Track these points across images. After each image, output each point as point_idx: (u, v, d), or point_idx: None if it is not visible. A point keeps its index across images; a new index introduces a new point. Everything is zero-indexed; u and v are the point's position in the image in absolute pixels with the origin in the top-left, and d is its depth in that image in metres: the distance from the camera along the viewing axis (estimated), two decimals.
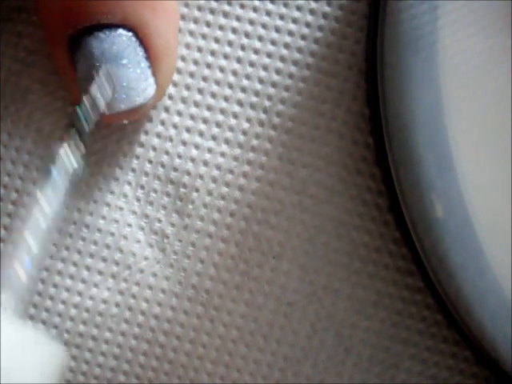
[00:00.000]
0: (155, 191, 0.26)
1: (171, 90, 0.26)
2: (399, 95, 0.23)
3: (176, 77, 0.26)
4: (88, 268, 0.26)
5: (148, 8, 0.24)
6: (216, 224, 0.26)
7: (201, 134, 0.26)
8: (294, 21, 0.26)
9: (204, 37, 0.26)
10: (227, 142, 0.26)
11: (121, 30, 0.23)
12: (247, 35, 0.26)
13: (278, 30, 0.26)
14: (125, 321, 0.26)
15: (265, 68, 0.26)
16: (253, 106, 0.26)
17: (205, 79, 0.26)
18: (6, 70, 0.26)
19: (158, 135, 0.26)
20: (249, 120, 0.26)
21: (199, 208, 0.26)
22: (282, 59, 0.26)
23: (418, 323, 0.26)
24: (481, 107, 0.24)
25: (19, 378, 0.19)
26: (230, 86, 0.26)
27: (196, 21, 0.26)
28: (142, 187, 0.26)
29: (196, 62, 0.26)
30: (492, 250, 0.23)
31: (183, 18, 0.26)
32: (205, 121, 0.26)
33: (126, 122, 0.25)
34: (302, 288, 0.26)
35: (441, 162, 0.23)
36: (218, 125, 0.26)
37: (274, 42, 0.26)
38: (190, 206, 0.26)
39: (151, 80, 0.24)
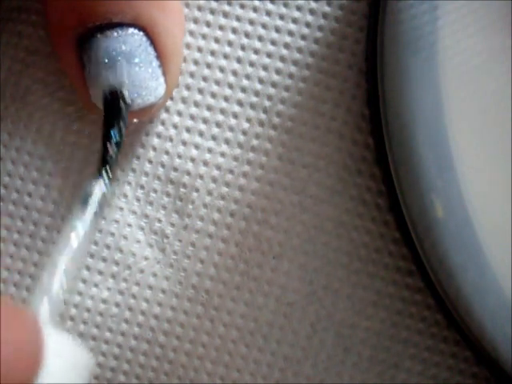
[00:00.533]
0: (155, 191, 0.26)
1: None
2: (399, 95, 0.23)
3: None
4: (88, 268, 0.26)
5: (158, 8, 0.24)
6: (216, 224, 0.26)
7: (201, 134, 0.26)
8: (294, 21, 0.26)
9: (204, 37, 0.26)
10: (227, 141, 0.26)
11: (132, 30, 0.23)
12: (247, 35, 0.26)
13: (277, 30, 0.26)
14: (125, 321, 0.26)
15: (265, 68, 0.26)
16: (253, 106, 0.26)
17: (205, 79, 0.26)
18: (6, 70, 0.26)
19: (158, 135, 0.26)
20: (249, 120, 0.26)
21: (199, 208, 0.26)
22: (282, 59, 0.26)
23: (418, 323, 0.26)
24: (481, 107, 0.24)
25: None
26: (230, 86, 0.26)
27: (196, 21, 0.26)
28: (142, 187, 0.26)
29: (196, 62, 0.26)
30: (492, 250, 0.23)
31: None
32: (205, 121, 0.26)
33: (135, 121, 0.25)
34: (302, 288, 0.26)
35: (441, 161, 0.23)
36: (218, 125, 0.26)
37: (273, 42, 0.26)
38: (190, 206, 0.26)
39: (161, 79, 0.24)
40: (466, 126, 0.24)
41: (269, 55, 0.26)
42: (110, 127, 0.23)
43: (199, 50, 0.26)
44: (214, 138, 0.26)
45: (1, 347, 0.18)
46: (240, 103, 0.26)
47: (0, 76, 0.26)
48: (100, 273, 0.26)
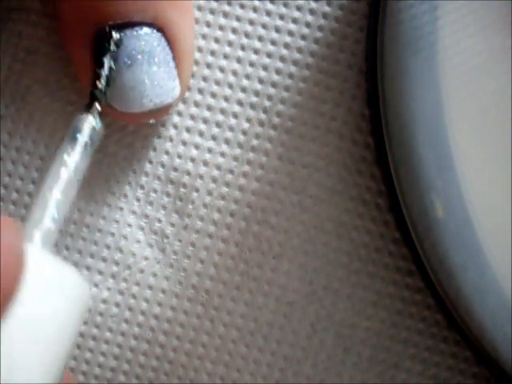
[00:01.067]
0: (155, 191, 0.26)
1: None
2: (399, 95, 0.23)
3: None
4: (88, 268, 0.26)
5: (175, 9, 0.24)
6: (216, 224, 0.26)
7: (201, 134, 0.26)
8: (294, 21, 0.26)
9: (204, 37, 0.26)
10: (227, 141, 0.26)
11: (152, 29, 0.23)
12: (247, 35, 0.26)
13: (277, 30, 0.26)
14: (125, 321, 0.26)
15: (265, 68, 0.26)
16: (253, 106, 0.26)
17: (205, 79, 0.26)
18: (7, 69, 0.26)
19: (158, 135, 0.26)
20: (249, 120, 0.26)
21: (199, 208, 0.26)
22: (282, 59, 0.26)
23: (418, 323, 0.26)
24: (481, 107, 0.24)
25: (44, 316, 0.19)
26: (230, 86, 0.26)
27: (196, 21, 0.26)
28: (142, 187, 0.26)
29: (196, 62, 0.26)
30: (492, 250, 0.23)
31: None
32: (205, 121, 0.26)
33: (152, 121, 0.25)
34: (302, 288, 0.26)
35: (441, 161, 0.23)
36: (218, 125, 0.26)
37: (273, 42, 0.26)
38: (190, 206, 0.26)
39: (177, 81, 0.24)
40: (466, 126, 0.24)
41: (269, 55, 0.26)
42: (99, 64, 0.23)
43: (199, 50, 0.26)
44: (213, 138, 0.26)
45: None
46: (240, 103, 0.26)
47: (0, 76, 0.26)
48: (100, 273, 0.26)
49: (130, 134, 0.26)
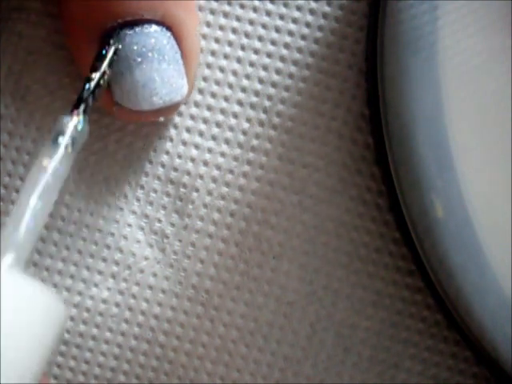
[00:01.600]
0: (155, 191, 0.26)
1: None
2: (399, 95, 0.23)
3: None
4: (88, 268, 0.26)
5: (183, 8, 0.24)
6: (216, 224, 0.26)
7: (201, 133, 0.26)
8: (294, 21, 0.26)
9: (204, 37, 0.26)
10: (227, 141, 0.26)
11: (161, 27, 0.23)
12: (247, 35, 0.26)
13: (277, 30, 0.26)
14: (125, 321, 0.26)
15: (265, 68, 0.26)
16: (253, 106, 0.26)
17: (205, 79, 0.26)
18: (7, 69, 0.26)
19: (158, 135, 0.26)
20: (249, 120, 0.26)
21: (199, 208, 0.26)
22: (282, 59, 0.26)
23: (418, 323, 0.26)
24: (481, 107, 0.24)
25: (19, 334, 0.19)
26: (230, 86, 0.26)
27: None
28: (142, 187, 0.26)
29: None
30: (492, 250, 0.23)
31: None
32: (205, 121, 0.26)
33: (162, 119, 0.25)
34: (301, 288, 0.26)
35: (441, 161, 0.23)
36: (218, 125, 0.26)
37: (273, 42, 0.26)
38: (190, 206, 0.26)
39: (185, 79, 0.24)
40: (466, 126, 0.24)
41: (269, 55, 0.26)
42: (94, 66, 0.23)
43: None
44: (213, 138, 0.26)
45: None
46: (240, 103, 0.26)
47: (0, 75, 0.26)
48: (100, 273, 0.26)
49: (129, 134, 0.26)
